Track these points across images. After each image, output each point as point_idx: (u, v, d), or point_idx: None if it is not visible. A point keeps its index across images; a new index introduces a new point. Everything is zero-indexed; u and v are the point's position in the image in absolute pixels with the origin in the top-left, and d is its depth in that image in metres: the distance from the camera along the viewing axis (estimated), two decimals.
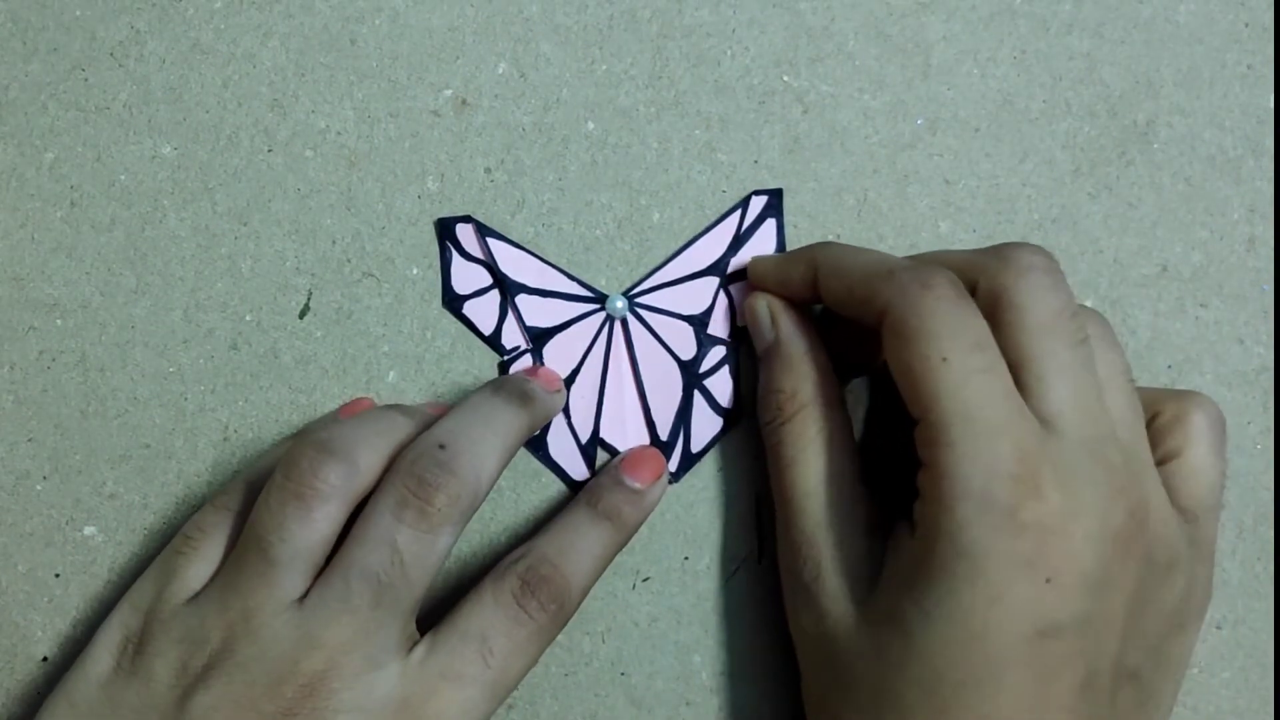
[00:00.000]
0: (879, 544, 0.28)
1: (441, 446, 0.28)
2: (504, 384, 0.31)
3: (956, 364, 0.25)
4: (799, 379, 0.30)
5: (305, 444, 0.28)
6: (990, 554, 0.24)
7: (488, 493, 0.29)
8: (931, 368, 0.25)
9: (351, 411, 0.32)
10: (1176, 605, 0.27)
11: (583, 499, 0.31)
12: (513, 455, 0.30)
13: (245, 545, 0.27)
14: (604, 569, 0.30)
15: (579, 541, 0.30)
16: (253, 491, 0.29)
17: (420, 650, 0.27)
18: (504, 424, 0.29)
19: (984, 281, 0.27)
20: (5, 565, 0.33)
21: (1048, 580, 0.24)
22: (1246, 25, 0.33)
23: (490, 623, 0.28)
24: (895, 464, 0.33)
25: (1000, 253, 0.27)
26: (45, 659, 0.32)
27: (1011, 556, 0.24)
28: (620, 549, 0.31)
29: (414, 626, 0.28)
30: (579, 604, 0.29)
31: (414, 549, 0.27)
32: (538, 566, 0.28)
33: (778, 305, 0.31)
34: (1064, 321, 0.26)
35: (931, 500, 0.25)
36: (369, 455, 0.28)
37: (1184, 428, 0.28)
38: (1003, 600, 0.24)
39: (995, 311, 0.26)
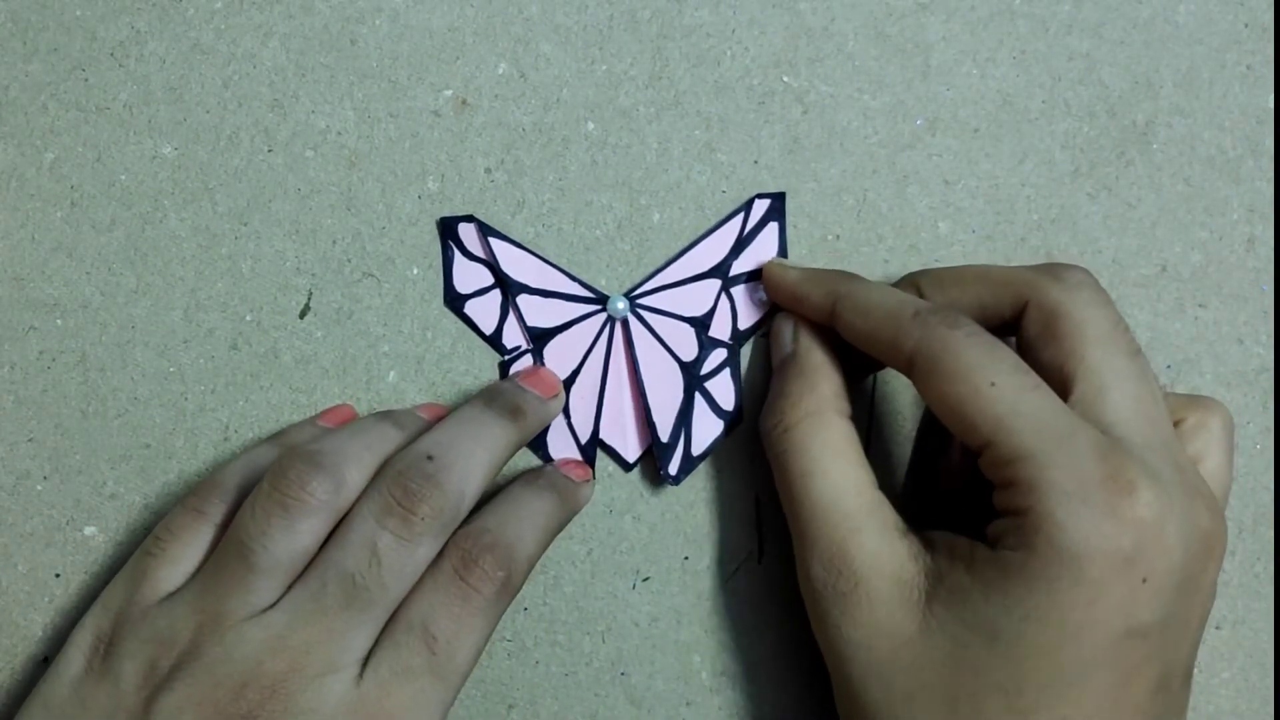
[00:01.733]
0: (914, 544, 0.28)
1: (429, 458, 0.28)
2: (497, 396, 0.31)
3: (1005, 385, 0.26)
4: (807, 387, 0.30)
5: (295, 455, 0.28)
6: (1093, 553, 0.24)
7: (470, 507, 0.29)
8: (982, 394, 0.26)
9: (333, 419, 0.32)
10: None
11: (520, 478, 0.31)
12: (500, 469, 0.30)
13: (226, 549, 0.28)
14: (549, 539, 0.30)
15: (519, 510, 0.30)
16: (222, 493, 0.30)
17: (374, 652, 0.27)
18: (493, 439, 0.29)
19: (1036, 297, 0.27)
20: (5, 565, 0.33)
21: (1144, 580, 0.24)
22: (1246, 25, 0.33)
23: (432, 607, 0.27)
24: (919, 477, 0.32)
25: (1050, 270, 0.28)
26: (45, 659, 0.32)
27: (1113, 555, 0.24)
28: (564, 522, 0.31)
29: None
30: (526, 573, 0.29)
31: (393, 556, 0.27)
32: (478, 537, 0.28)
33: (804, 323, 0.31)
34: (1120, 333, 0.27)
35: (1022, 511, 0.25)
36: (356, 471, 0.28)
37: (1207, 434, 0.29)
38: (1101, 600, 0.24)
39: (1051, 325, 0.27)
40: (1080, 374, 0.26)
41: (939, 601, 0.26)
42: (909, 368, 0.27)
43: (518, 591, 0.29)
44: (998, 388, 0.26)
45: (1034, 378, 0.26)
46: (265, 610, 0.27)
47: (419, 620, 0.27)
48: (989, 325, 0.29)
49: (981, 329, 0.27)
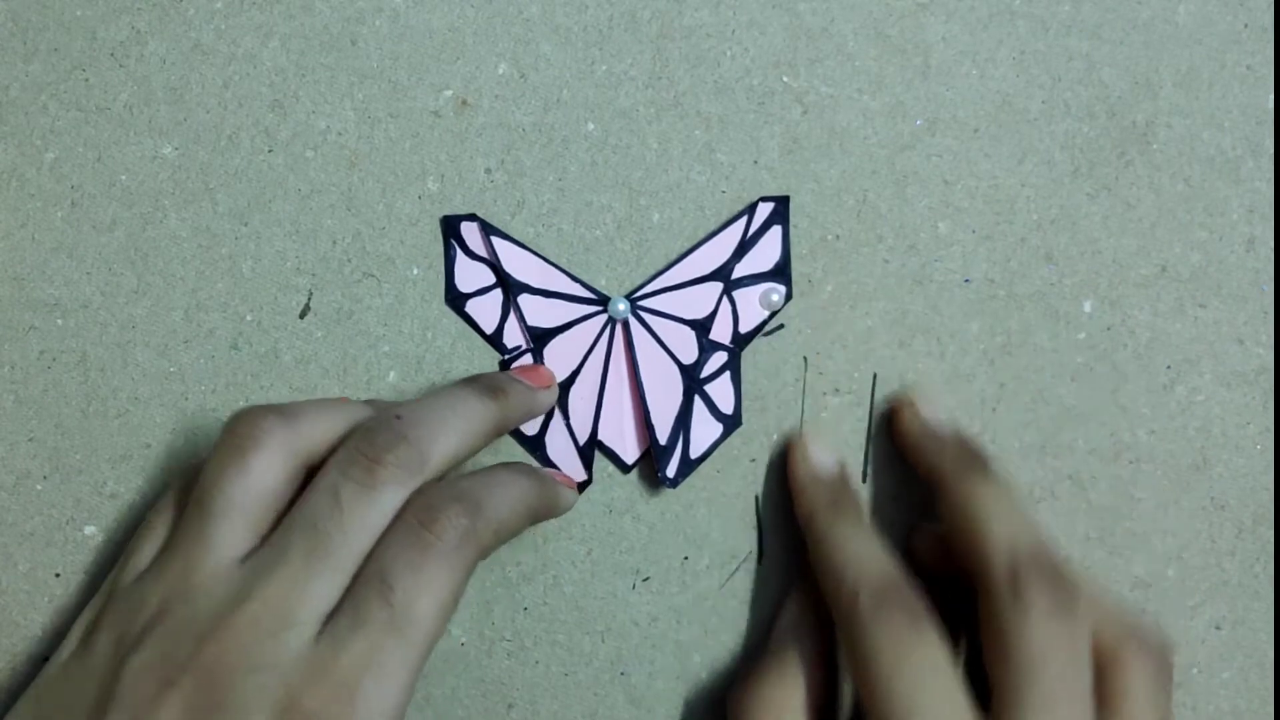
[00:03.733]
0: None
1: (398, 417, 0.28)
2: (478, 379, 0.31)
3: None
4: (771, 689, 0.30)
5: (251, 407, 0.28)
6: None
7: (442, 469, 0.28)
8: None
9: None
10: None
11: (503, 463, 0.31)
12: (478, 441, 0.29)
13: (188, 510, 0.28)
14: (522, 517, 0.29)
15: (495, 478, 0.29)
16: None
17: (336, 609, 0.26)
18: (467, 409, 0.29)
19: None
20: (5, 565, 0.33)
21: None
22: (1246, 26, 0.33)
23: (391, 557, 0.26)
24: None
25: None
26: (45, 658, 0.32)
27: None
28: (539, 509, 0.30)
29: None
30: (494, 534, 0.28)
31: (354, 502, 0.26)
32: (445, 489, 0.28)
33: (798, 610, 0.32)
34: None
35: None
36: (313, 418, 0.28)
37: (1123, 675, 0.28)
38: None
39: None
40: None
41: None
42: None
43: (486, 552, 0.28)
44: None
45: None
46: (234, 563, 0.27)
47: (377, 570, 0.26)
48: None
49: (915, 617, 0.27)
